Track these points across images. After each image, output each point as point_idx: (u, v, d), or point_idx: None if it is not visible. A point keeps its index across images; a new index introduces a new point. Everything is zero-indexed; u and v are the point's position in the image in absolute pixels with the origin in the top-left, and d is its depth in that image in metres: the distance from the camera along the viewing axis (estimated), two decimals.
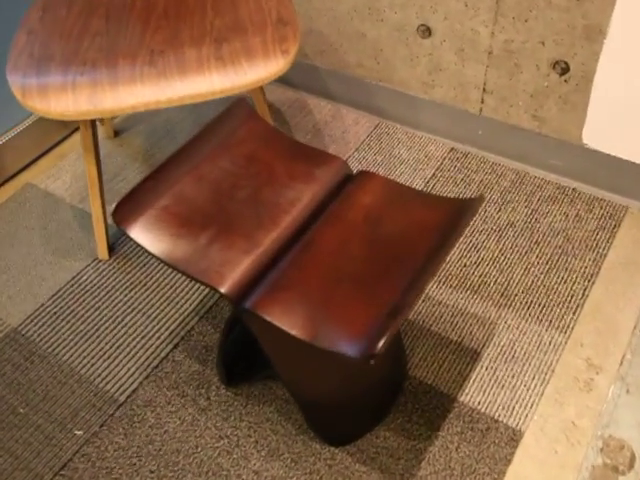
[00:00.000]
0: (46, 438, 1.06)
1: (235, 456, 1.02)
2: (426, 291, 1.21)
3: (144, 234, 0.86)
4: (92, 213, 1.24)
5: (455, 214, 0.85)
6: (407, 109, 1.51)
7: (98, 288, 1.26)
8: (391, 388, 1.03)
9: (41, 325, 1.21)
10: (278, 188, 0.94)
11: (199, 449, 1.03)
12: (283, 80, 1.68)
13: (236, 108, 1.01)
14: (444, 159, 1.45)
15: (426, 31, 1.37)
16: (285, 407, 1.06)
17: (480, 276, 1.22)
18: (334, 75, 1.57)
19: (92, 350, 1.17)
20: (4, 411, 1.10)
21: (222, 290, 0.82)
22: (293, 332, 0.77)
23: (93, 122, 1.17)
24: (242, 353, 1.07)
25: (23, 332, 1.21)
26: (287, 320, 0.79)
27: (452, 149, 1.47)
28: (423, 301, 1.19)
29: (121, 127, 1.60)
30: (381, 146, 1.49)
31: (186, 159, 0.94)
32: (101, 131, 1.57)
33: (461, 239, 1.29)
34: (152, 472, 1.02)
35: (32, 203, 1.43)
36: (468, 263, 1.25)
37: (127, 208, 0.87)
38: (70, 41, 1.09)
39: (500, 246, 1.27)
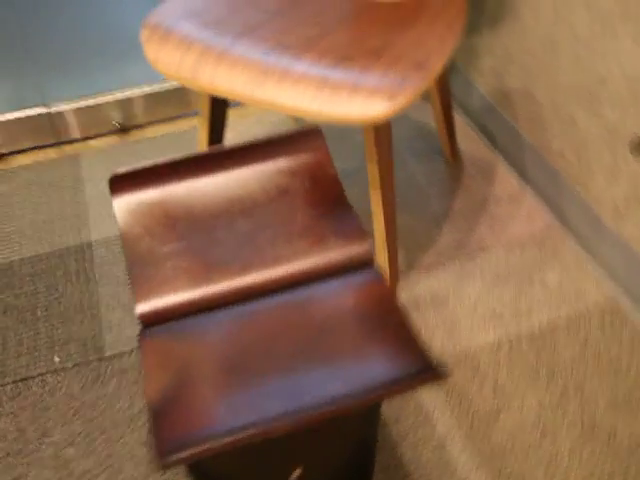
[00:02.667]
0: (34, 346, 1.11)
1: None
2: None
3: (125, 213, 0.81)
4: None
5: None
6: (588, 228, 1.21)
7: None
8: None
9: (110, 252, 1.25)
10: (281, 238, 0.81)
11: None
12: (487, 133, 1.47)
13: (308, 135, 0.88)
14: (597, 308, 1.13)
15: (639, 147, 1.06)
16: None
17: None
18: (534, 152, 1.32)
19: (123, 295, 1.17)
20: (26, 309, 1.17)
21: (137, 308, 0.74)
22: (148, 388, 0.66)
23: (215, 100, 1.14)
24: None
25: (93, 247, 1.26)
26: (154, 375, 0.68)
27: (613, 300, 1.14)
28: None
29: None
30: (535, 256, 1.22)
31: (217, 161, 0.85)
32: None
33: None
34: (79, 433, 1.00)
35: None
36: None
37: (125, 180, 0.82)
38: (233, 10, 1.06)
39: None
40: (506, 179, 1.38)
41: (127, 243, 0.80)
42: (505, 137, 1.41)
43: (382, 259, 1.12)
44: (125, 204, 0.82)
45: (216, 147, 0.86)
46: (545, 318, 1.12)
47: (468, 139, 1.47)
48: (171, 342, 0.71)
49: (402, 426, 0.99)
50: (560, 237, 1.25)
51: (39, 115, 1.45)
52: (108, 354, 1.09)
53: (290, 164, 0.87)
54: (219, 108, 1.18)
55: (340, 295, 0.77)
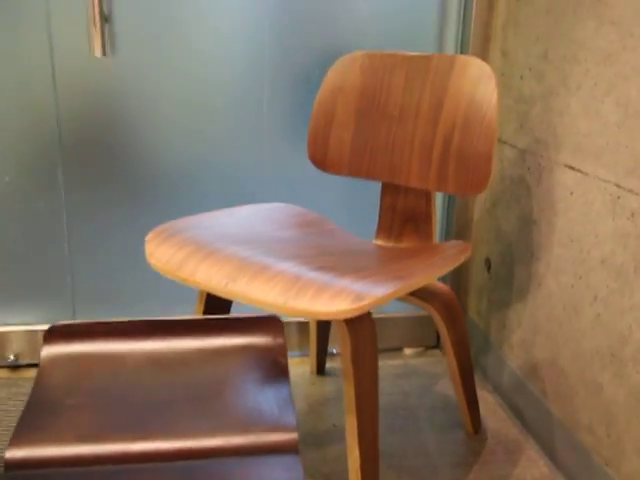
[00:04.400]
0: None
1: None
2: None
3: (48, 361, 0.76)
4: None
5: None
6: None
7: None
8: None
9: None
10: (200, 413, 0.71)
11: None
12: (516, 411, 1.31)
13: (266, 320, 0.83)
14: None
15: None
16: None
17: None
18: (563, 429, 1.15)
19: None
20: None
21: (6, 453, 0.64)
22: None
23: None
24: None
25: None
26: None
27: None
28: None
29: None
30: None
31: (160, 328, 0.80)
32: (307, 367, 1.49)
33: None
34: None
35: None
36: None
37: (60, 331, 0.79)
38: None
39: None
40: (533, 460, 1.18)
41: (35, 391, 0.73)
42: (534, 414, 1.25)
43: None
44: (51, 353, 0.77)
45: (167, 318, 0.82)
46: None
47: (496, 418, 1.32)
48: None
49: None
50: None
51: None
52: None
53: (238, 343, 0.81)
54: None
55: (245, 474, 0.63)
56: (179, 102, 1.38)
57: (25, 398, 1.36)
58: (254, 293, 0.89)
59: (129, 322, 0.80)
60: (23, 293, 1.47)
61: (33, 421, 0.69)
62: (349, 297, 0.84)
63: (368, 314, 0.98)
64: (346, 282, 0.88)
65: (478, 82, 1.11)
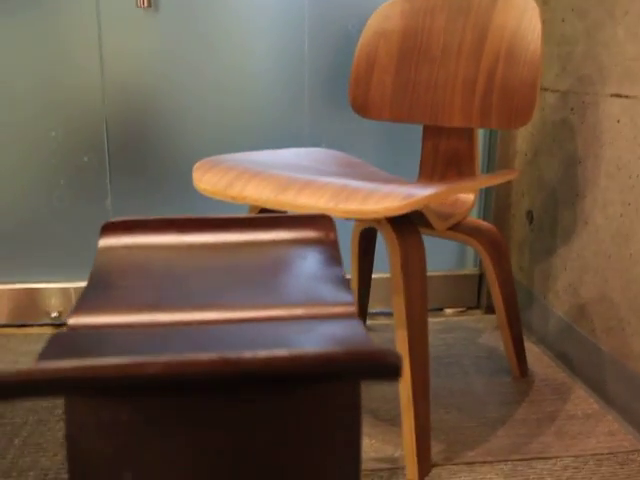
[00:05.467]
0: None
1: None
2: None
3: (104, 252, 0.77)
4: None
5: None
6: None
7: None
8: None
9: None
10: (259, 291, 0.71)
11: None
12: (564, 358, 1.28)
13: (317, 218, 0.83)
14: None
15: None
16: None
17: None
18: (614, 365, 1.12)
19: None
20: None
21: (69, 320, 0.65)
22: None
23: None
24: None
25: None
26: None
27: None
28: None
29: None
30: (616, 472, 0.95)
31: (212, 224, 0.81)
32: None
33: None
34: None
35: None
36: None
37: (116, 227, 0.80)
38: None
39: None
40: (583, 398, 1.16)
41: (92, 277, 0.74)
42: (582, 355, 1.22)
43: (407, 429, 0.92)
44: (107, 244, 0.78)
45: (221, 215, 0.83)
46: None
47: (543, 364, 1.29)
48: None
49: None
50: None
51: None
52: None
53: (291, 236, 0.81)
54: None
55: (306, 332, 0.63)
56: (221, 56, 1.40)
57: None
58: (304, 200, 0.89)
59: (183, 218, 0.81)
60: (66, 250, 1.49)
61: (91, 298, 0.70)
62: (399, 196, 0.84)
63: (416, 229, 0.98)
64: (393, 187, 0.88)
65: (523, 13, 1.11)
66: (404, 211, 0.83)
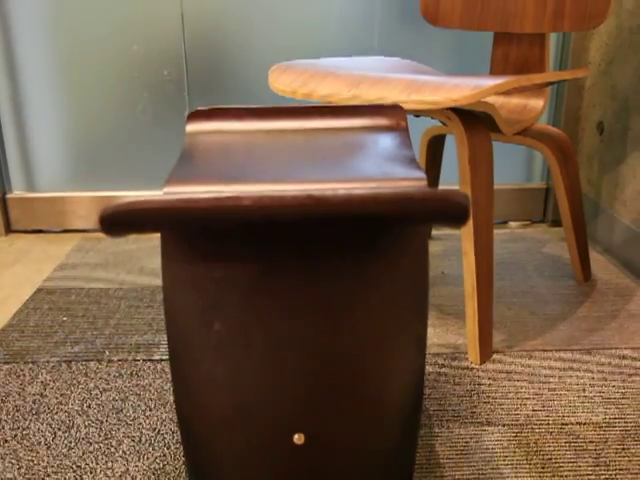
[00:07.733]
0: None
1: None
2: None
3: (192, 134, 0.84)
4: None
5: None
6: None
7: None
8: None
9: None
10: (337, 168, 0.76)
11: None
12: (630, 266, 1.30)
13: (389, 108, 0.87)
14: None
15: None
16: None
17: None
18: None
19: None
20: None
21: (164, 189, 0.72)
22: None
23: None
24: None
25: None
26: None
27: None
28: None
29: None
30: None
31: (291, 113, 0.86)
32: None
33: None
34: None
35: None
36: None
37: (201, 114, 0.86)
38: None
39: None
40: None
41: (181, 158, 0.81)
42: None
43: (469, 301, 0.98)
44: (194, 129, 0.85)
45: (297, 105, 0.88)
46: None
47: (607, 271, 1.31)
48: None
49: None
50: None
51: None
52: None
53: (365, 124, 0.86)
54: None
55: None
56: None
57: (155, 252, 1.48)
58: (377, 93, 0.93)
59: (262, 107, 0.87)
60: (144, 161, 1.58)
61: (182, 172, 0.77)
62: (469, 86, 0.87)
63: (484, 128, 1.01)
64: (463, 79, 0.91)
65: None
66: (475, 99, 0.86)
